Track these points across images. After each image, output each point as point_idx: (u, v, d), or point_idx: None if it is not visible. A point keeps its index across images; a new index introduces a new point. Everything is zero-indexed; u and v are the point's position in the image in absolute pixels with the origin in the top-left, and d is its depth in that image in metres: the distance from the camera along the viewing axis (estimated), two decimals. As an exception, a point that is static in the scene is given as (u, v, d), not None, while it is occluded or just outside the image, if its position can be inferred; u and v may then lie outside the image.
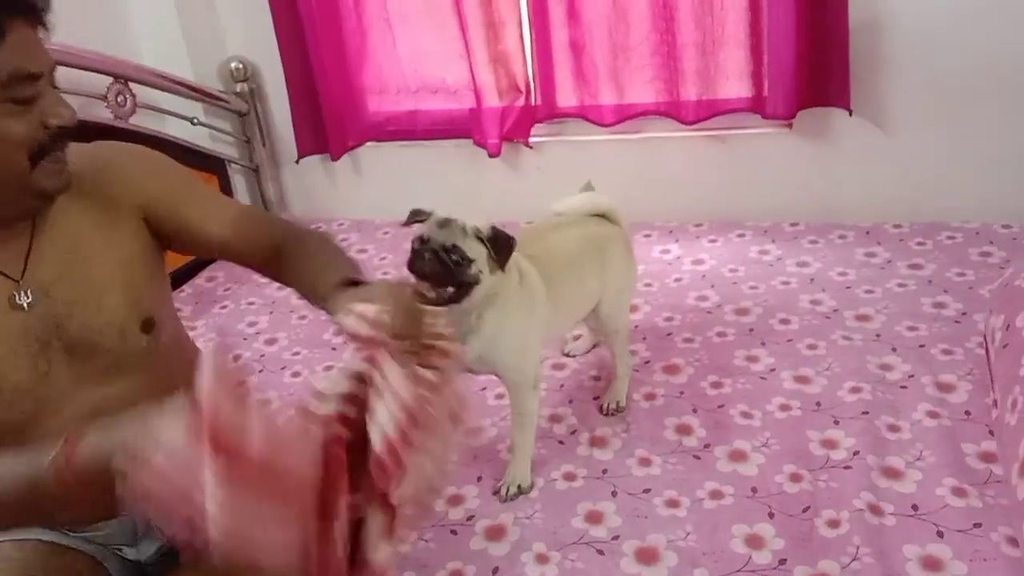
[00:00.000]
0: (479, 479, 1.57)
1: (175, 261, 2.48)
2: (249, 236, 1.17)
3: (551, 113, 2.50)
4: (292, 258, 1.14)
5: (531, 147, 2.55)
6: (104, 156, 1.12)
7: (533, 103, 2.51)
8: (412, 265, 1.40)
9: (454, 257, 1.38)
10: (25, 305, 1.01)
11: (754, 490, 1.45)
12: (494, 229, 1.42)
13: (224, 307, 2.37)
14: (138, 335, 1.09)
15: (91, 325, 1.05)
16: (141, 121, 2.45)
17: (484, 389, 1.82)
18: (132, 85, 2.40)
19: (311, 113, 2.66)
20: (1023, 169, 2.19)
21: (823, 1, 2.11)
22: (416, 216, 1.46)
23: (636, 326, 1.98)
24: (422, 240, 1.40)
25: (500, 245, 1.42)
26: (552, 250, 1.62)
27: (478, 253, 1.40)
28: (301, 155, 2.73)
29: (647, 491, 1.49)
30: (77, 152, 1.02)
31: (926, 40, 2.15)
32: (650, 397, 1.73)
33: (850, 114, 2.21)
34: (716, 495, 1.45)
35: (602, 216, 1.71)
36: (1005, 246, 2.11)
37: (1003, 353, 1.47)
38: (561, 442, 1.64)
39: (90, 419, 1.04)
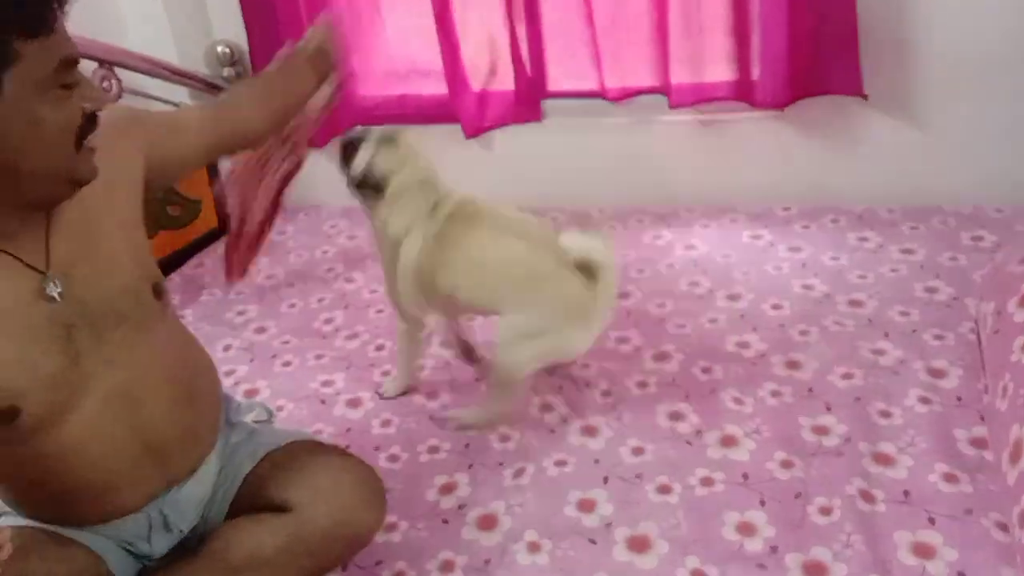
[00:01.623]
0: (470, 467, 1.56)
1: (160, 250, 2.48)
2: (223, 130, 1.33)
3: (542, 94, 2.47)
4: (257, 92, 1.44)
5: (541, 119, 2.53)
6: None
7: (523, 85, 2.48)
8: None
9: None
10: (56, 296, 1.02)
11: (745, 476, 1.45)
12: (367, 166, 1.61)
13: (212, 294, 2.35)
14: (151, 300, 1.12)
15: (109, 294, 1.07)
16: (127, 107, 2.42)
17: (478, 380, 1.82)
18: (117, 70, 2.36)
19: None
20: (1015, 151, 2.18)
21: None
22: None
23: (628, 313, 1.97)
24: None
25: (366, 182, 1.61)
26: (492, 230, 1.62)
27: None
28: (286, 140, 2.69)
29: (639, 476, 1.48)
30: None
31: (925, 21, 2.13)
32: (642, 385, 1.72)
33: (865, 99, 2.18)
34: (707, 482, 1.45)
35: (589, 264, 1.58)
36: (997, 230, 2.10)
37: (994, 339, 1.47)
38: (552, 431, 1.63)
39: (123, 402, 1.09)
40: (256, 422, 1.29)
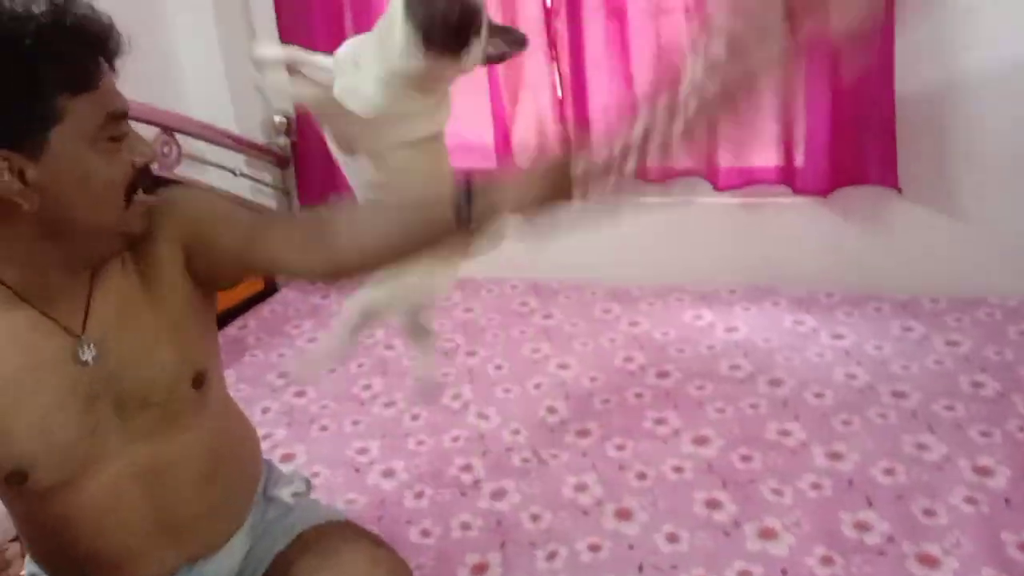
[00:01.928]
0: (502, 545, 1.54)
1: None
2: (276, 238, 1.08)
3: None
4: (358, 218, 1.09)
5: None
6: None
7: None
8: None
9: None
10: (90, 360, 1.00)
11: (784, 572, 1.42)
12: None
13: (254, 355, 2.39)
14: (188, 390, 1.08)
15: (142, 381, 1.04)
16: (185, 171, 2.51)
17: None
18: (178, 136, 2.46)
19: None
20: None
21: (865, 73, 2.07)
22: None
23: (667, 393, 1.97)
24: None
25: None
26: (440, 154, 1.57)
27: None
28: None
29: (674, 567, 1.46)
30: None
31: (971, 113, 2.14)
32: (678, 470, 1.70)
33: (899, 192, 2.19)
34: (744, 575, 1.42)
35: None
36: (1045, 324, 2.07)
37: (1044, 440, 1.43)
38: (586, 513, 1.61)
39: (141, 477, 1.05)
40: (294, 494, 1.27)
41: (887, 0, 1.97)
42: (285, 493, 1.25)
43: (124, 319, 1.04)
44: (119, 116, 0.95)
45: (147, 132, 2.33)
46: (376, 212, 1.12)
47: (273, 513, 1.24)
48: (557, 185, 0.95)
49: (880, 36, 2.03)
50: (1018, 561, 1.39)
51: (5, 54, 0.87)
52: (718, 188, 2.37)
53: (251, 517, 1.21)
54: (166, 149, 2.43)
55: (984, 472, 1.60)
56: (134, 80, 0.99)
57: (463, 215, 0.96)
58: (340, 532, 1.22)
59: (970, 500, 1.53)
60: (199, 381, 1.08)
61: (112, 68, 0.95)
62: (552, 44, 2.39)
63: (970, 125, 2.15)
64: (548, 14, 2.38)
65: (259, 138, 2.79)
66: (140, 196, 0.99)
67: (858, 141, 2.16)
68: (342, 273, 1.09)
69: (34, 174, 0.89)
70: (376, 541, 1.22)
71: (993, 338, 2.04)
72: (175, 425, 1.07)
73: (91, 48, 0.92)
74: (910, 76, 2.11)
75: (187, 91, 2.69)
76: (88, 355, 1.01)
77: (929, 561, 1.41)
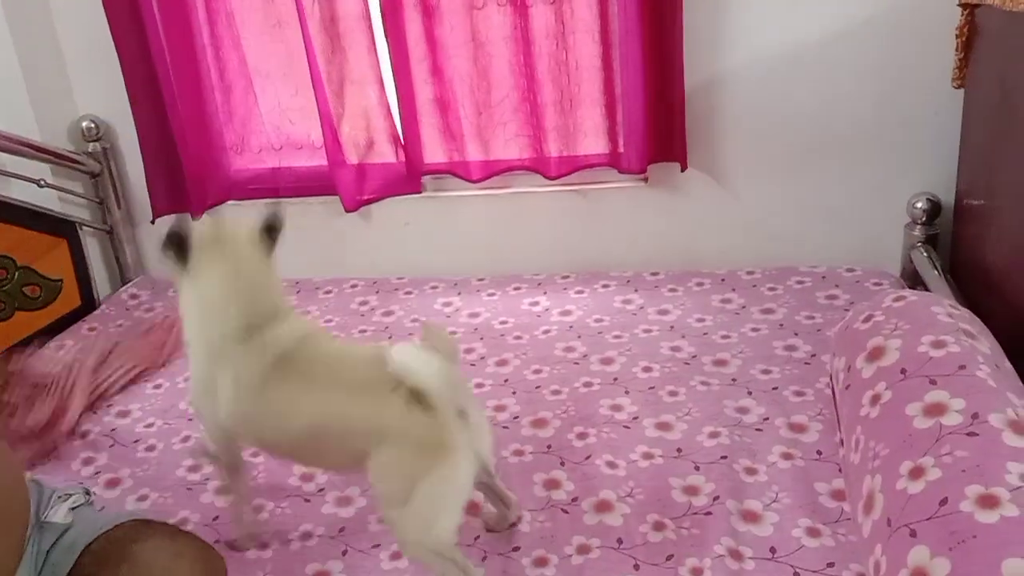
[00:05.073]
0: (484, 558, 1.48)
1: (18, 332, 2.33)
2: None
3: (418, 169, 2.50)
4: None
5: (422, 191, 2.54)
6: None
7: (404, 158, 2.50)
8: None
9: None
10: None
11: (619, 541, 1.46)
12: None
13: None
14: None
15: None
16: (-19, 184, 2.31)
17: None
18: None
19: (168, 172, 2.56)
20: (862, 216, 2.34)
21: (663, 63, 2.21)
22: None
23: (506, 380, 1.99)
24: None
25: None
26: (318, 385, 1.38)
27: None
28: (156, 215, 2.62)
29: (516, 549, 1.47)
30: None
31: (761, 98, 2.29)
32: (519, 453, 1.73)
33: (682, 170, 2.32)
34: (583, 549, 1.46)
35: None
36: (850, 289, 2.23)
37: (846, 394, 1.55)
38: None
39: None
40: (73, 508, 1.17)
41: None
42: (60, 513, 1.16)
43: None
44: None
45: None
46: None
47: (49, 539, 1.14)
48: None
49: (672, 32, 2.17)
50: (830, 508, 1.49)
51: None
52: (550, 177, 2.41)
53: (27, 553, 1.11)
54: (-43, 160, 2.23)
55: (799, 428, 1.71)
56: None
57: None
58: (131, 534, 1.14)
59: (787, 456, 1.63)
60: None
61: None
62: (374, 37, 2.37)
63: (766, 111, 2.30)
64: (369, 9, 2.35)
65: (66, 145, 2.60)
66: None
67: (664, 124, 2.28)
68: None
69: None
70: (172, 532, 1.14)
71: (804, 305, 2.19)
72: None
73: None
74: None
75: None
76: None
77: (751, 517, 1.49)
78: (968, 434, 1.21)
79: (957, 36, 1.97)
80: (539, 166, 2.41)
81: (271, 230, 1.44)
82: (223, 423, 1.42)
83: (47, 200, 2.54)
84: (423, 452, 1.28)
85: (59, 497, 1.19)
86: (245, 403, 1.38)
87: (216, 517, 1.64)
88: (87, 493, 1.22)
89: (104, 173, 2.66)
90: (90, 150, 2.62)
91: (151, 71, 2.44)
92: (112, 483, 1.77)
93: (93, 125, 2.60)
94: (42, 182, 2.50)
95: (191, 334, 1.44)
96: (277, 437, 1.43)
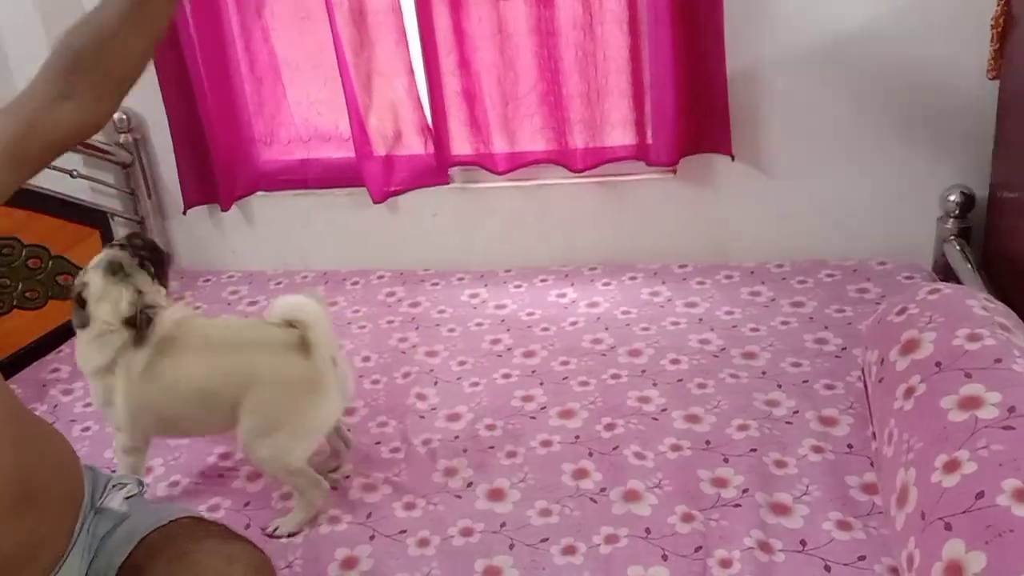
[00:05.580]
0: (511, 547, 1.50)
1: (52, 320, 2.38)
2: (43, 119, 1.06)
3: (447, 161, 2.50)
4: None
5: (449, 183, 2.55)
6: None
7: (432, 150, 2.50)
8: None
9: None
10: None
11: (648, 531, 1.46)
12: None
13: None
14: None
15: None
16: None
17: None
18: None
19: (198, 163, 2.59)
20: (893, 209, 2.31)
21: (701, 52, 2.19)
22: None
23: (533, 371, 1.99)
24: None
25: None
26: (193, 353, 1.59)
27: None
28: (187, 206, 2.65)
29: (545, 540, 1.48)
30: None
31: (794, 90, 2.26)
32: (547, 444, 1.73)
33: (732, 159, 2.30)
34: (611, 539, 1.46)
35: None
36: (881, 282, 2.21)
37: (878, 387, 1.53)
38: (458, 496, 1.61)
39: None
40: (128, 498, 1.19)
41: None
42: (116, 501, 1.17)
43: None
44: None
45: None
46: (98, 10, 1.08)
47: (105, 525, 1.15)
48: None
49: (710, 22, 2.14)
50: (861, 502, 1.48)
51: None
52: (575, 170, 2.41)
53: (81, 537, 1.12)
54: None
55: (829, 422, 1.70)
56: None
57: None
58: (187, 532, 1.15)
59: (817, 449, 1.62)
60: None
61: None
62: (403, 30, 2.37)
63: (805, 101, 2.26)
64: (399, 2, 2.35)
65: (98, 136, 2.63)
66: None
67: (698, 115, 2.25)
68: (119, 89, 1.10)
69: None
70: (226, 535, 1.16)
71: (834, 298, 2.17)
72: None
73: None
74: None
75: (17, 90, 2.50)
76: None
77: (781, 509, 1.48)
78: (1004, 428, 1.19)
79: (992, 26, 1.95)
80: (565, 159, 2.40)
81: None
82: (128, 418, 1.58)
83: (79, 191, 2.58)
84: (295, 391, 1.53)
85: (114, 485, 1.20)
86: (138, 390, 1.55)
87: (248, 503, 1.66)
88: (140, 484, 1.24)
89: (135, 164, 2.69)
90: (121, 141, 2.65)
91: (182, 63, 2.46)
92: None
93: (124, 116, 2.63)
94: (74, 172, 2.54)
95: (89, 366, 1.60)
96: (174, 411, 1.59)
